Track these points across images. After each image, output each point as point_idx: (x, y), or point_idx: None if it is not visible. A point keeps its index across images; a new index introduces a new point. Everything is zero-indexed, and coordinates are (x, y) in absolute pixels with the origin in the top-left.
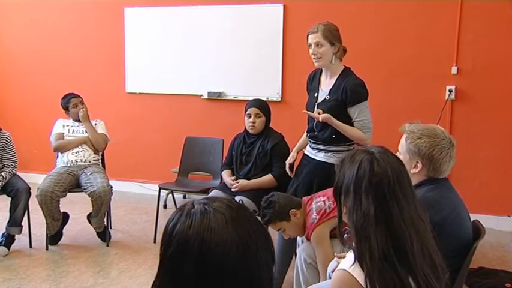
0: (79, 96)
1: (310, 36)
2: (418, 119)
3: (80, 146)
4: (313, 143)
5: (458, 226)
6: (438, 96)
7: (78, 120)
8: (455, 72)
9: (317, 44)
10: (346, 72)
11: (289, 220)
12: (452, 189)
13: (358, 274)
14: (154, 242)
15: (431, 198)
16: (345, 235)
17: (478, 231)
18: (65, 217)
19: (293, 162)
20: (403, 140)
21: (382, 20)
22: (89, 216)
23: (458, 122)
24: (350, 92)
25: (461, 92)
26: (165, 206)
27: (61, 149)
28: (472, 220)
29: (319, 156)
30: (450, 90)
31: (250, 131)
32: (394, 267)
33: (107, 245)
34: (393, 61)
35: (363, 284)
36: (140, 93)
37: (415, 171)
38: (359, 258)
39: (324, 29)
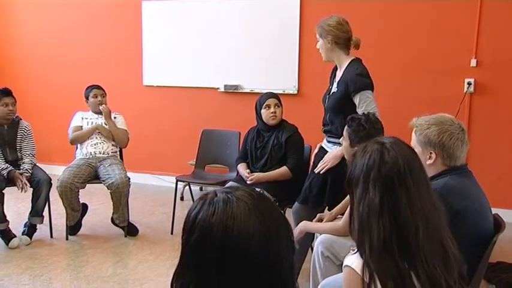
0: (102, 89)
1: None
2: (436, 112)
3: (98, 138)
4: (328, 136)
5: (480, 216)
6: (457, 89)
7: (97, 112)
8: (475, 65)
9: (317, 40)
10: (353, 64)
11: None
12: (475, 181)
13: (358, 266)
14: (172, 233)
15: (453, 186)
16: None
17: (498, 224)
18: (84, 208)
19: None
20: (413, 134)
21: (401, 12)
22: (112, 219)
23: (477, 116)
24: (349, 81)
25: (480, 85)
26: (182, 198)
27: (77, 141)
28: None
29: (334, 150)
30: (469, 83)
31: (271, 122)
32: (393, 255)
33: (125, 236)
34: (411, 53)
35: (360, 273)
36: (157, 86)
37: (431, 162)
38: (358, 247)
39: (318, 25)
